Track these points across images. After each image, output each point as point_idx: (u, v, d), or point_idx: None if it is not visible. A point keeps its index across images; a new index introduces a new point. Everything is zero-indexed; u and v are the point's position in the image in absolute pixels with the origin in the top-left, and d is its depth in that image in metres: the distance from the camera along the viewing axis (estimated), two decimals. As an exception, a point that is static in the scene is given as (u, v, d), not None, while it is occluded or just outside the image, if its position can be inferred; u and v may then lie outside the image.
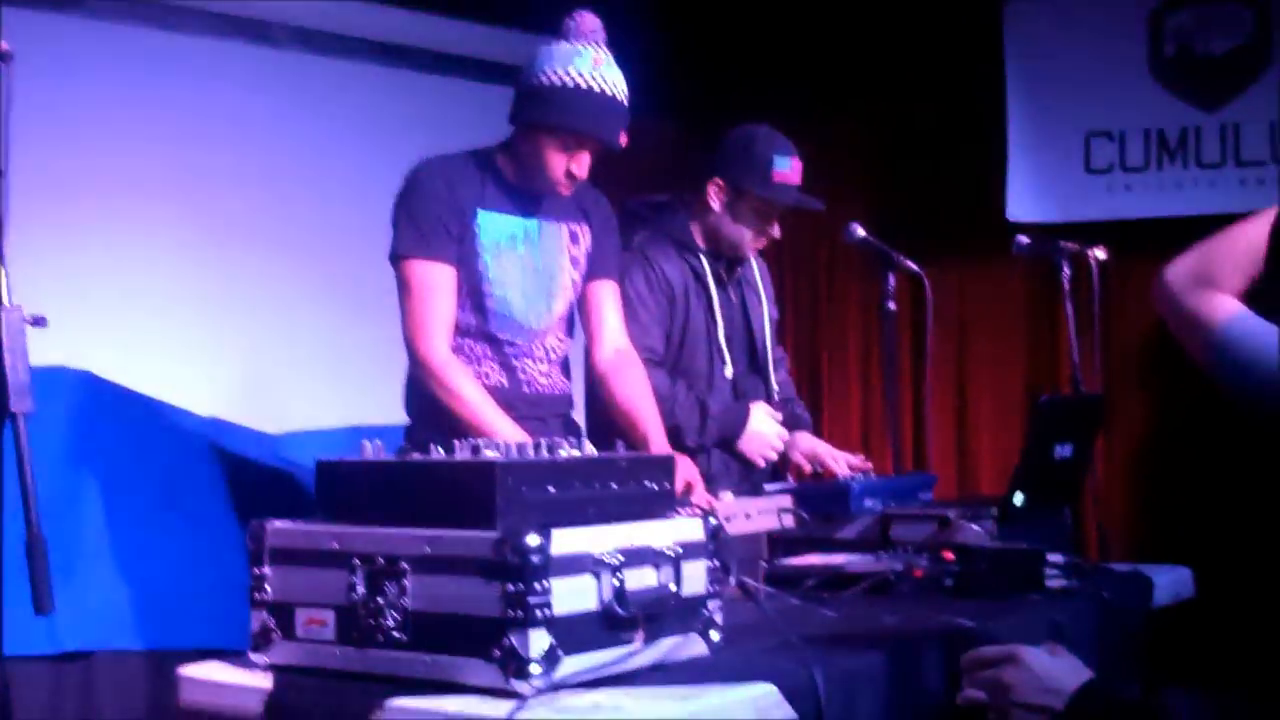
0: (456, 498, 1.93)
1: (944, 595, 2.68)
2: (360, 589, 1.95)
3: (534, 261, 3.17)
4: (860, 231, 3.73)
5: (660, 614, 2.00)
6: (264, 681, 2.01)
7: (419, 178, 3.10)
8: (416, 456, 2.05)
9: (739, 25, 6.09)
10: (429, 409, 3.08)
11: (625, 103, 3.05)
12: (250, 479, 4.00)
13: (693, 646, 2.07)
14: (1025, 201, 5.64)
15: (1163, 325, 2.03)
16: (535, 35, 3.14)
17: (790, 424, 3.66)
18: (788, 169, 3.53)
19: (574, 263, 3.25)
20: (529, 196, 3.16)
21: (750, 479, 3.55)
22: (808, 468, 3.69)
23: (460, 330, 3.12)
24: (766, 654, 2.09)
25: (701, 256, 3.62)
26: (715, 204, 3.58)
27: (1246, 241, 1.95)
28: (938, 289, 3.85)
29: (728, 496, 2.87)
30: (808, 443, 3.69)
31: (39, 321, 2.40)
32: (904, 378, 5.57)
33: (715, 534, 2.12)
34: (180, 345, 4.61)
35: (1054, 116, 5.63)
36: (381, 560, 1.94)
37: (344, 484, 2.08)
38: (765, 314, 3.76)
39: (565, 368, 3.33)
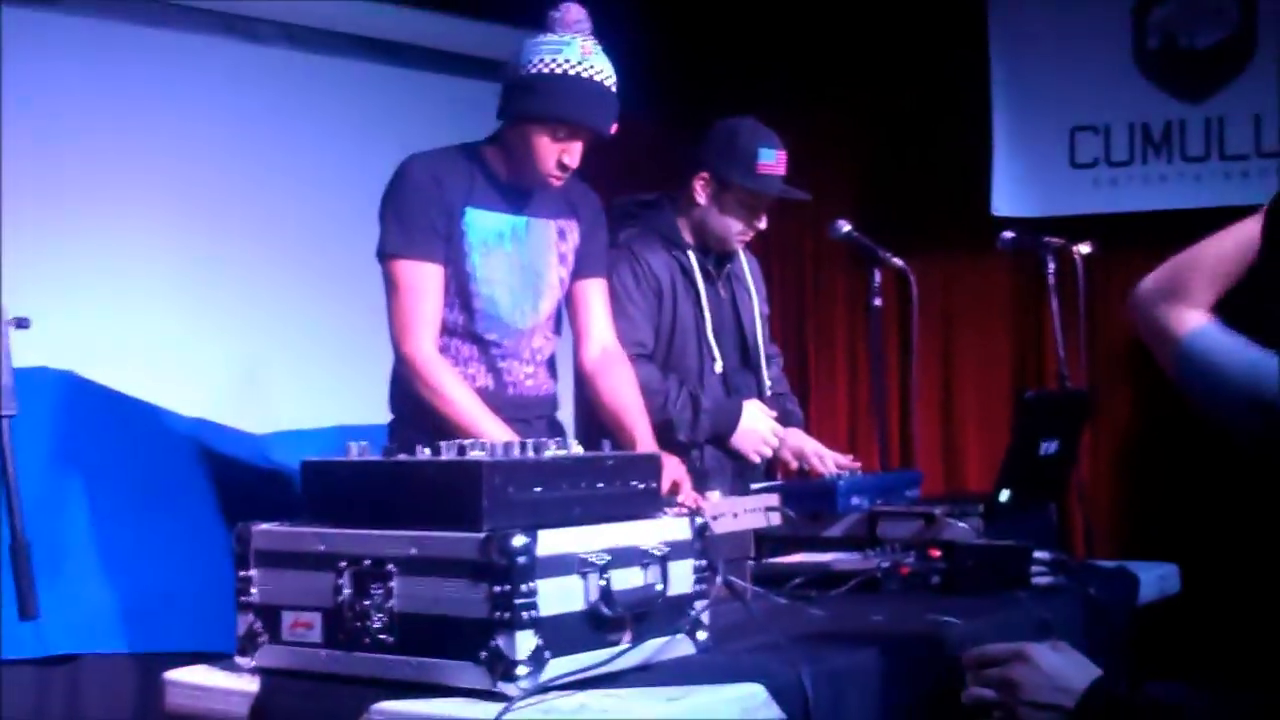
0: (443, 498, 1.92)
1: (931, 593, 2.68)
2: (347, 591, 1.95)
3: (521, 259, 3.16)
4: (845, 227, 3.73)
5: (647, 614, 2.00)
6: (250, 685, 2.01)
7: (406, 174, 3.09)
8: (402, 457, 2.05)
9: (723, 21, 6.09)
10: (413, 407, 3.07)
11: (615, 91, 3.05)
12: (236, 480, 4.00)
13: (680, 647, 2.07)
14: (1010, 196, 5.64)
15: None
16: (521, 30, 3.13)
17: (781, 420, 3.66)
18: (773, 160, 3.54)
19: (562, 260, 3.24)
20: (517, 192, 3.15)
21: (744, 476, 3.55)
22: (795, 464, 3.68)
23: (447, 330, 3.11)
24: (754, 654, 2.09)
25: (689, 252, 3.62)
26: (701, 197, 3.58)
27: (1215, 253, 1.97)
28: (923, 284, 3.85)
29: (715, 495, 2.87)
30: (796, 440, 3.68)
31: (22, 324, 2.40)
32: (890, 373, 5.58)
33: (702, 533, 2.12)
34: (164, 344, 4.58)
35: (1039, 110, 5.64)
36: (368, 562, 1.93)
37: (329, 485, 2.07)
38: (756, 310, 3.76)
39: (551, 367, 3.32)
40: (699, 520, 2.13)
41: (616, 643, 1.96)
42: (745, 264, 3.79)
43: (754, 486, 3.28)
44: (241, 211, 4.92)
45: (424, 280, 3.05)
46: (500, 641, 1.81)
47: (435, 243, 3.05)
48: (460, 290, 3.10)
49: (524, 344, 3.20)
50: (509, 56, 3.07)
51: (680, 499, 2.87)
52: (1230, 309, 1.98)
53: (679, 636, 2.06)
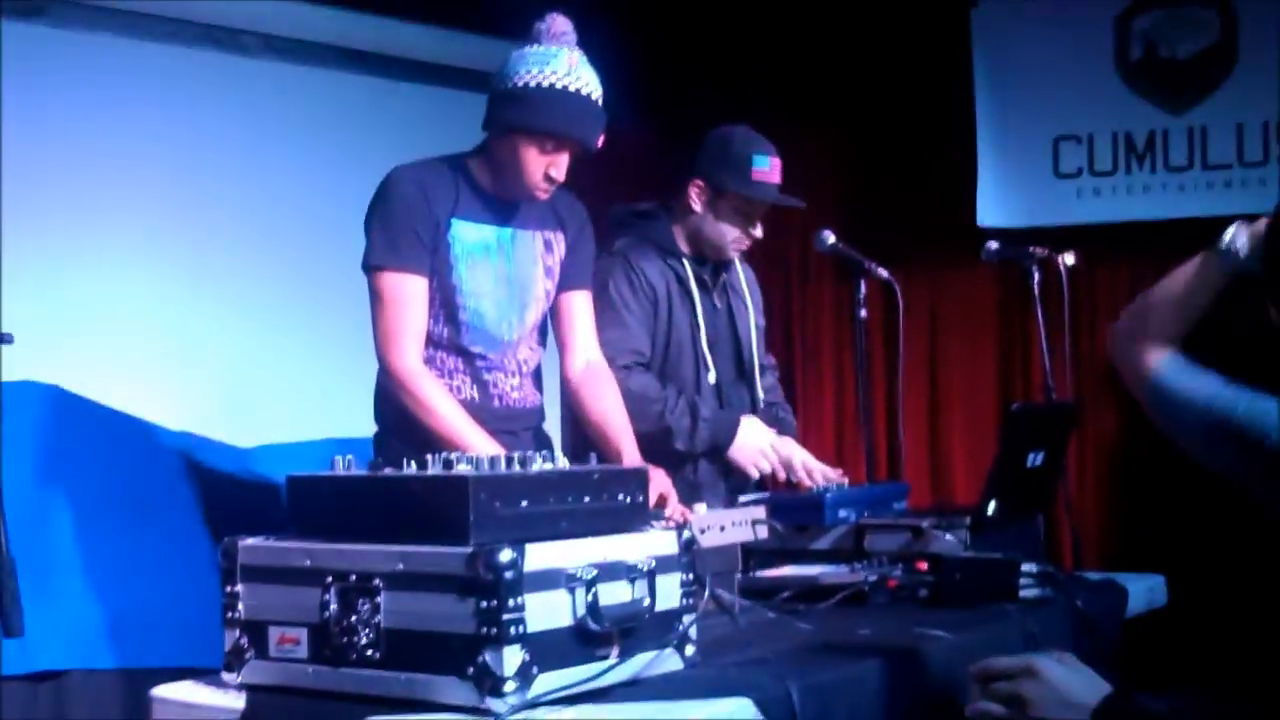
0: (429, 513, 1.92)
1: (918, 605, 2.68)
2: (333, 607, 1.94)
3: (507, 271, 3.15)
4: (831, 238, 3.73)
5: (635, 628, 2.00)
6: (237, 701, 2.00)
7: (392, 186, 3.08)
8: (388, 472, 2.04)
9: (707, 32, 6.10)
10: (398, 419, 3.06)
11: (601, 103, 3.04)
12: (222, 494, 3.99)
13: (668, 661, 2.06)
14: (995, 207, 5.66)
15: None
16: (506, 40, 3.13)
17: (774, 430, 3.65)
18: (767, 167, 3.54)
19: (548, 272, 3.24)
20: (503, 204, 3.15)
21: (736, 491, 3.53)
22: (783, 475, 3.67)
23: (432, 342, 3.11)
24: (742, 668, 2.09)
25: (684, 261, 3.61)
26: (696, 205, 3.58)
27: (1179, 286, 2.01)
28: (909, 295, 3.85)
29: (701, 508, 2.86)
30: (786, 449, 3.66)
31: (5, 339, 2.38)
32: (877, 385, 5.59)
33: (689, 547, 2.12)
34: (150, 358, 4.57)
35: (1023, 121, 5.66)
36: (354, 577, 1.93)
37: (316, 499, 2.07)
38: (752, 320, 3.75)
39: (537, 379, 3.31)
40: (686, 534, 2.13)
41: (604, 657, 1.95)
42: (742, 274, 3.79)
43: (741, 499, 3.28)
44: (227, 224, 4.91)
45: (409, 292, 3.04)
46: (488, 657, 1.80)
47: (421, 254, 3.05)
48: (446, 302, 3.09)
49: (510, 356, 3.20)
50: (494, 68, 3.07)
51: (667, 512, 2.86)
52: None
53: (667, 651, 2.06)
